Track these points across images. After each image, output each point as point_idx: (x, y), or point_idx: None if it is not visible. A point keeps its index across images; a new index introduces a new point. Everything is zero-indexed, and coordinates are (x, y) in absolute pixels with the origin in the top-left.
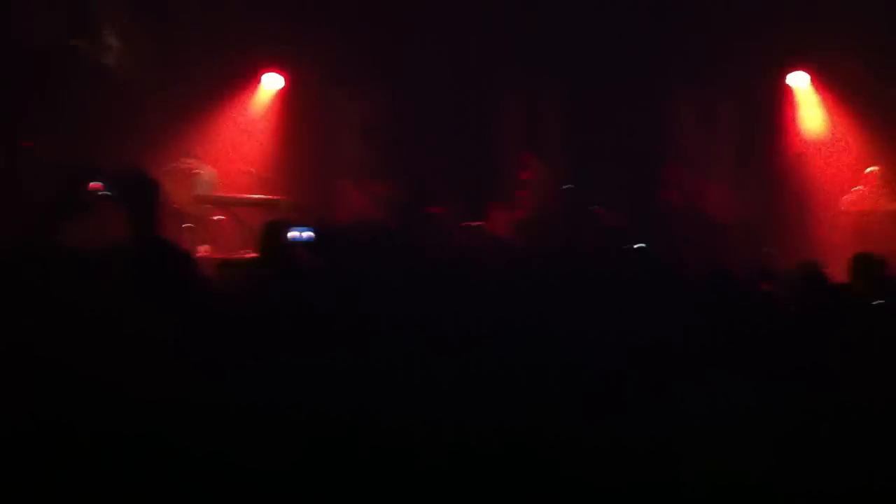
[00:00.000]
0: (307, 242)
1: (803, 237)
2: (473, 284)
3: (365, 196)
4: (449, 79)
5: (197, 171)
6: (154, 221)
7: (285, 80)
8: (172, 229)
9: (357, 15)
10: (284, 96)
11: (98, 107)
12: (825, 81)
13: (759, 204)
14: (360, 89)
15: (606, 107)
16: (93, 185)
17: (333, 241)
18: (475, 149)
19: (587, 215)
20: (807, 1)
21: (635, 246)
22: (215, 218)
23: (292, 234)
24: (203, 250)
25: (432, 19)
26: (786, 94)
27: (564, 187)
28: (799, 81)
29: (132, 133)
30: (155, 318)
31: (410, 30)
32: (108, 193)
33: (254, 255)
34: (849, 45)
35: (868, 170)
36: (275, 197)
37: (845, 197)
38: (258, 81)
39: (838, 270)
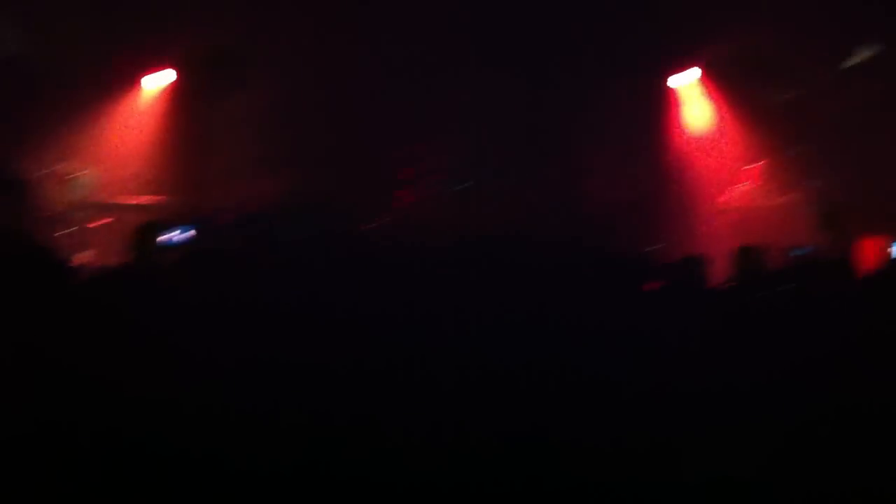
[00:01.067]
0: (182, 243)
1: (690, 232)
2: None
3: (255, 192)
4: (337, 69)
5: (77, 174)
6: (18, 221)
7: (171, 77)
8: (51, 235)
9: (240, 12)
10: (170, 96)
11: None
12: (709, 80)
13: (646, 200)
14: (245, 86)
15: (491, 100)
16: None
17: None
18: (366, 142)
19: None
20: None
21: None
22: (98, 223)
23: (167, 235)
24: (84, 257)
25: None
26: (671, 92)
27: (459, 186)
28: (684, 80)
29: (9, 135)
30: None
31: (296, 24)
32: None
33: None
34: (732, 44)
35: (751, 166)
36: (160, 199)
37: (731, 192)
38: (142, 80)
39: (723, 265)
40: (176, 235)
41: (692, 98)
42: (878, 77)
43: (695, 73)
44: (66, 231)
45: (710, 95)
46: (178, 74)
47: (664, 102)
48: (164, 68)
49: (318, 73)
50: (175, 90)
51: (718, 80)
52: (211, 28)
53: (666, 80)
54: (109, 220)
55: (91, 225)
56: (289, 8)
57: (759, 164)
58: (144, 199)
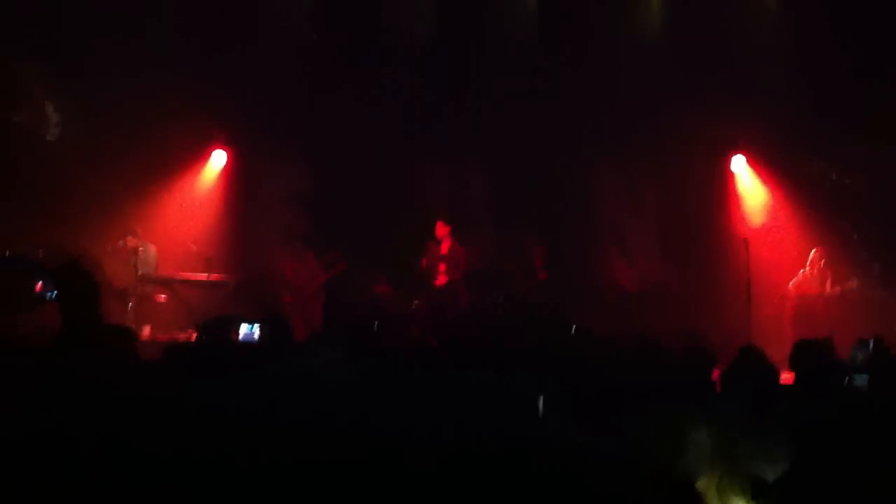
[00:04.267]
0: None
1: (750, 319)
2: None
3: (308, 267)
4: (382, 152)
5: (140, 249)
6: (91, 311)
7: (228, 156)
8: (115, 309)
9: (293, 92)
10: (227, 174)
11: (40, 182)
12: (765, 166)
13: (707, 286)
14: (300, 164)
15: (542, 185)
16: (38, 287)
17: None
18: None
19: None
20: (739, 89)
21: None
22: (158, 298)
23: (244, 332)
24: (145, 331)
25: (362, 93)
26: (729, 179)
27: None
28: (740, 166)
29: (76, 210)
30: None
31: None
32: (51, 294)
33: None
34: (785, 131)
35: (811, 253)
36: (218, 277)
37: (791, 280)
38: (205, 159)
39: (783, 352)
40: (250, 334)
41: (751, 184)
42: None
43: (751, 159)
44: (129, 304)
45: (769, 181)
46: (234, 155)
47: (724, 189)
48: (222, 148)
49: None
50: (232, 170)
51: (769, 166)
52: (267, 109)
53: (724, 169)
54: (167, 294)
55: (157, 299)
56: None
57: (818, 249)
58: (204, 277)
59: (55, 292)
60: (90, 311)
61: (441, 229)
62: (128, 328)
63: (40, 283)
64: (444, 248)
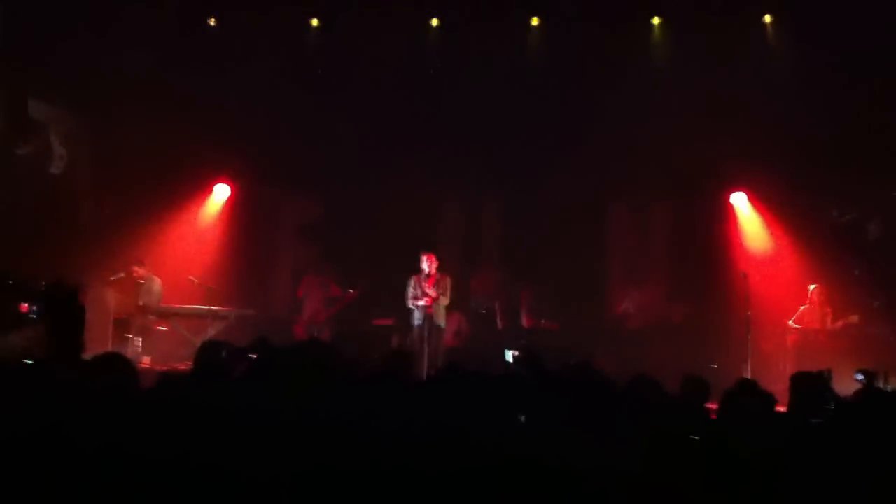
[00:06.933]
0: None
1: (749, 353)
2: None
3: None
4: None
5: (143, 280)
6: (77, 337)
7: (231, 189)
8: (117, 339)
9: (298, 127)
10: (231, 206)
11: (45, 216)
12: (763, 202)
13: (709, 321)
14: (303, 196)
15: (553, 221)
16: (23, 307)
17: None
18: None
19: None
20: (740, 127)
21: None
22: (158, 328)
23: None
24: (145, 361)
25: (370, 126)
26: (729, 214)
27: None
28: (739, 202)
29: (80, 242)
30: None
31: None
32: (34, 315)
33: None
34: (785, 168)
35: (810, 288)
36: (220, 308)
37: (791, 317)
38: (207, 192)
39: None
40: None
41: (750, 219)
42: None
43: (750, 195)
44: (131, 335)
45: (767, 217)
46: (237, 188)
47: (724, 224)
48: (225, 182)
49: None
50: (235, 203)
51: (769, 202)
52: (268, 143)
53: (724, 204)
54: (170, 326)
55: (157, 329)
56: None
57: (818, 285)
58: (206, 308)
59: (39, 313)
60: (75, 331)
61: (430, 262)
62: (118, 354)
63: (25, 303)
64: (430, 282)
